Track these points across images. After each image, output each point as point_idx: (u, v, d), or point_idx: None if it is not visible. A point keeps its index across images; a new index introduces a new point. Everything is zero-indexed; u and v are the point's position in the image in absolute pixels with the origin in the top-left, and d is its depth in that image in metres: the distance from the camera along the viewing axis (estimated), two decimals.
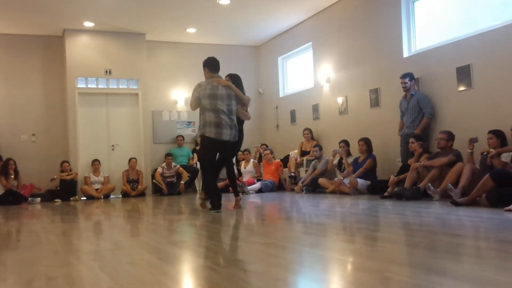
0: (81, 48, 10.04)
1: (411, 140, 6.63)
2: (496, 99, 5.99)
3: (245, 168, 9.87)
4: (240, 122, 6.00)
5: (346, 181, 7.65)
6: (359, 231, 3.81)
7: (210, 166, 5.71)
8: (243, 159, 10.03)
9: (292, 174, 9.12)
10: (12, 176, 9.01)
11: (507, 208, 4.41)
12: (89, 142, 10.13)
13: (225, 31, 10.51)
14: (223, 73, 5.95)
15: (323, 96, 9.45)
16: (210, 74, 5.73)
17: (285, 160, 9.78)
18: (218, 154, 5.83)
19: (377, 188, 7.07)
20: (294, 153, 9.69)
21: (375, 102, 8.06)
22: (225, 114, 5.54)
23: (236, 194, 6.00)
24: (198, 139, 10.59)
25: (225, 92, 5.61)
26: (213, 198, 5.63)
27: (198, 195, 6.11)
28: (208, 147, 5.62)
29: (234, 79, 6.06)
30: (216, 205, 5.56)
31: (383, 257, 2.74)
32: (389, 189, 6.47)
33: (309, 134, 9.42)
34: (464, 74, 6.38)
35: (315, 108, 9.67)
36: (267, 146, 10.27)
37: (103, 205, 8.06)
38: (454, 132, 6.24)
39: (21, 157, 9.56)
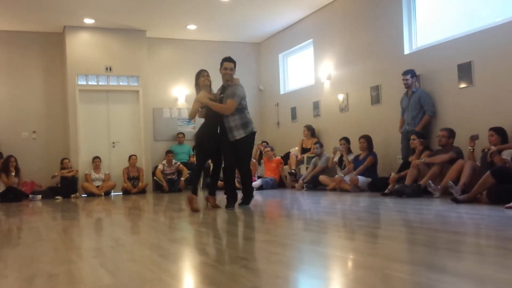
0: (82, 45, 10.02)
1: (412, 137, 6.61)
2: (497, 96, 5.97)
3: None
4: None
5: (347, 178, 7.64)
6: (360, 228, 3.81)
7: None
8: None
9: (293, 171, 9.12)
10: (13, 173, 9.00)
11: (507, 205, 4.41)
12: (89, 139, 10.12)
13: (225, 28, 10.49)
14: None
15: (324, 93, 9.44)
16: None
17: (286, 157, 9.77)
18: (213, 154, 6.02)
19: (377, 185, 7.07)
20: (294, 150, 9.68)
21: (376, 99, 8.05)
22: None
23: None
24: None
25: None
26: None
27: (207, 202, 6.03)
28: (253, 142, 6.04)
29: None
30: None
31: (384, 254, 2.74)
32: (389, 186, 6.47)
33: (306, 131, 9.35)
34: (465, 71, 6.36)
35: (316, 105, 9.66)
36: (267, 143, 10.27)
37: (104, 202, 8.07)
38: (455, 129, 6.23)
39: (21, 154, 9.57)
